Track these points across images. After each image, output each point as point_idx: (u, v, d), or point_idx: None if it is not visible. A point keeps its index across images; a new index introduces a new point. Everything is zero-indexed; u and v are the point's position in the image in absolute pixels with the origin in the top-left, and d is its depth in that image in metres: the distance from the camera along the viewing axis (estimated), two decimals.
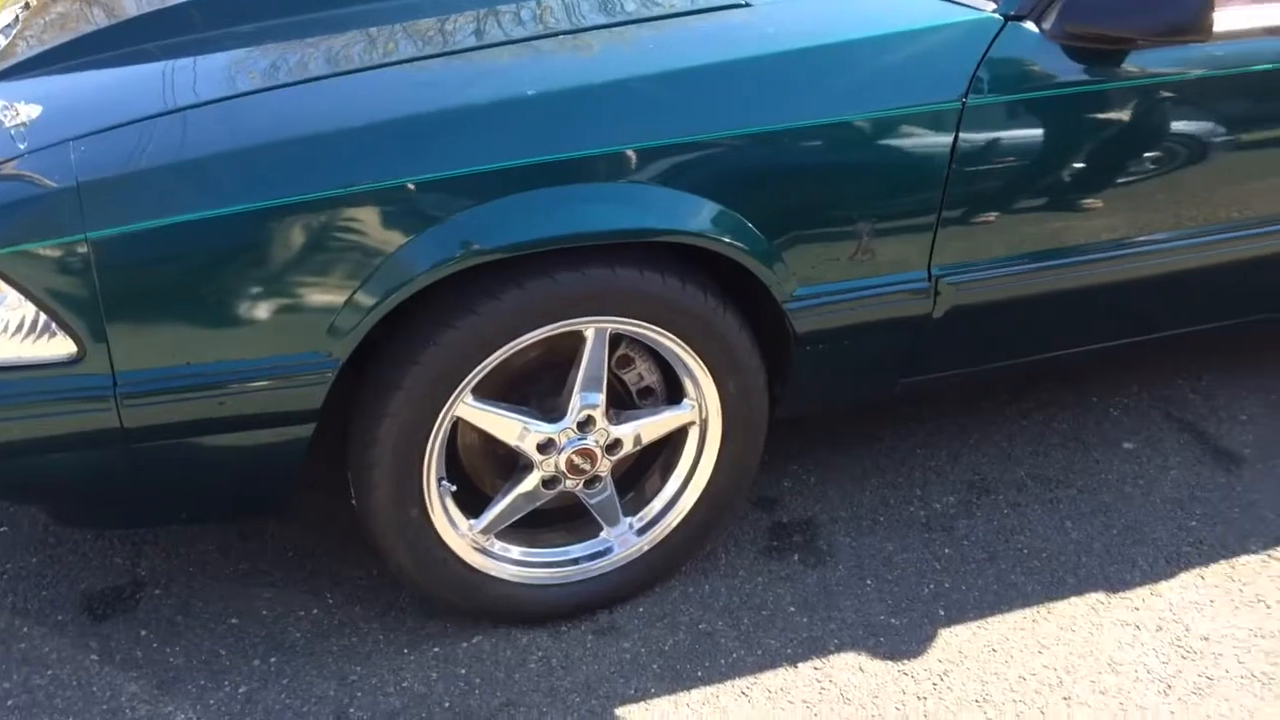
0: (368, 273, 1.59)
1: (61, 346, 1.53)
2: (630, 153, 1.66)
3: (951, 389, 2.27)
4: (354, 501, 1.80)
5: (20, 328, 1.52)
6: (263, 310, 1.58)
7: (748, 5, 1.85)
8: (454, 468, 1.85)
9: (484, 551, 1.88)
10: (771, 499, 2.26)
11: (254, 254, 1.56)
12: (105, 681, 1.79)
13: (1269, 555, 2.15)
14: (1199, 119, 1.97)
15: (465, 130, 1.63)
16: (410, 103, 1.65)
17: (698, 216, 1.71)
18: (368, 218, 1.58)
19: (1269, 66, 1.95)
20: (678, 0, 1.90)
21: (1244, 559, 2.14)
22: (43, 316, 1.52)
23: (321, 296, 1.60)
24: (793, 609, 2.02)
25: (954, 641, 1.96)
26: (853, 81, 1.77)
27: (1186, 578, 2.10)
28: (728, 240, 1.72)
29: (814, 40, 1.78)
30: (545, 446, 1.82)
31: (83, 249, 1.49)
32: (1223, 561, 2.14)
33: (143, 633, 1.88)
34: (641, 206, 1.68)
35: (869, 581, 2.08)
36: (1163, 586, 2.09)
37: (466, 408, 1.75)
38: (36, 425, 1.56)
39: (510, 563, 1.90)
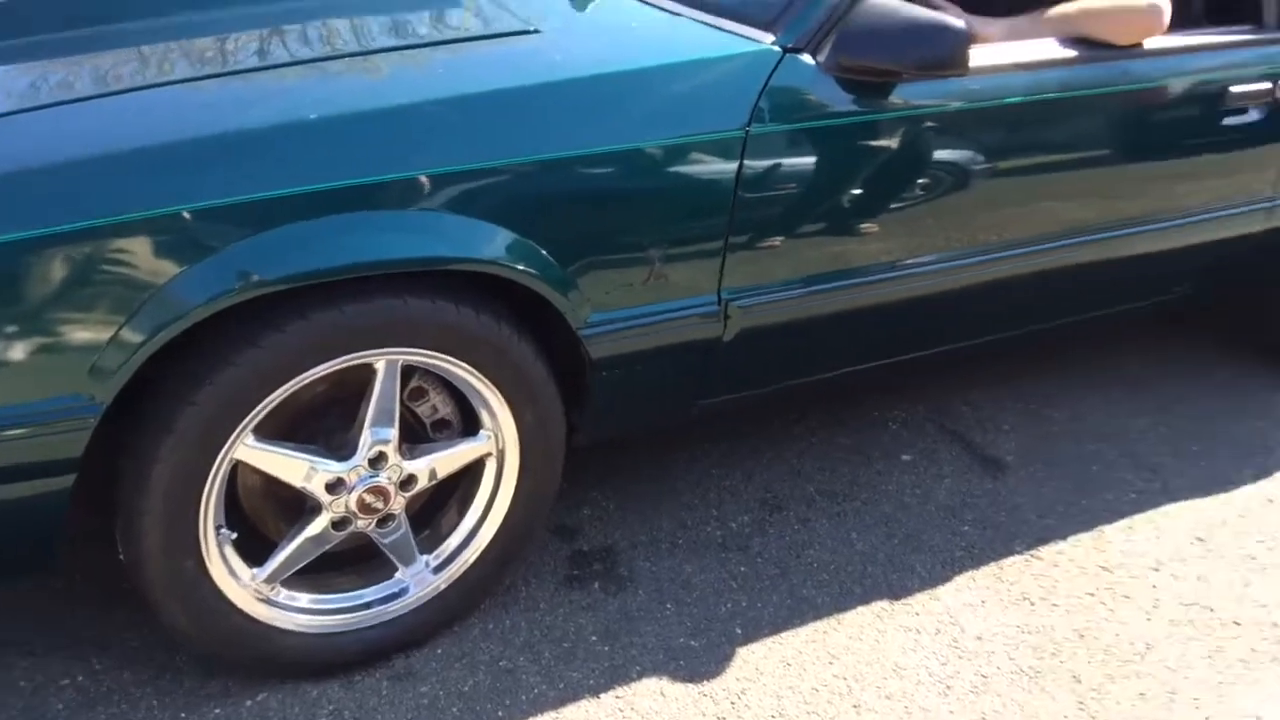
0: (135, 307, 1.46)
1: None
2: (420, 179, 1.60)
3: (745, 409, 2.31)
4: (122, 555, 1.64)
5: None
6: (17, 350, 1.43)
7: (537, 32, 1.82)
8: (235, 513, 1.72)
9: (269, 602, 1.75)
10: (571, 528, 2.22)
11: (6, 291, 1.41)
12: None
13: (1032, 555, 2.29)
14: (960, 148, 2.08)
15: (244, 155, 1.52)
16: (185, 125, 1.53)
17: (491, 244, 1.66)
18: (137, 248, 1.46)
19: (1019, 99, 2.09)
20: (468, 25, 1.85)
21: (1010, 560, 2.27)
22: None
23: (83, 334, 1.45)
24: (594, 638, 1.99)
25: (751, 659, 1.99)
26: (642, 109, 1.77)
27: (960, 581, 2.21)
28: (521, 267, 1.69)
29: (604, 68, 1.77)
30: (335, 486, 1.72)
31: None
32: (991, 563, 2.26)
33: None
34: (432, 234, 1.62)
35: (669, 605, 2.08)
36: (940, 590, 2.18)
37: (247, 449, 1.63)
38: None
39: (298, 612, 1.79)
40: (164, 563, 1.63)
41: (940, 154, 2.07)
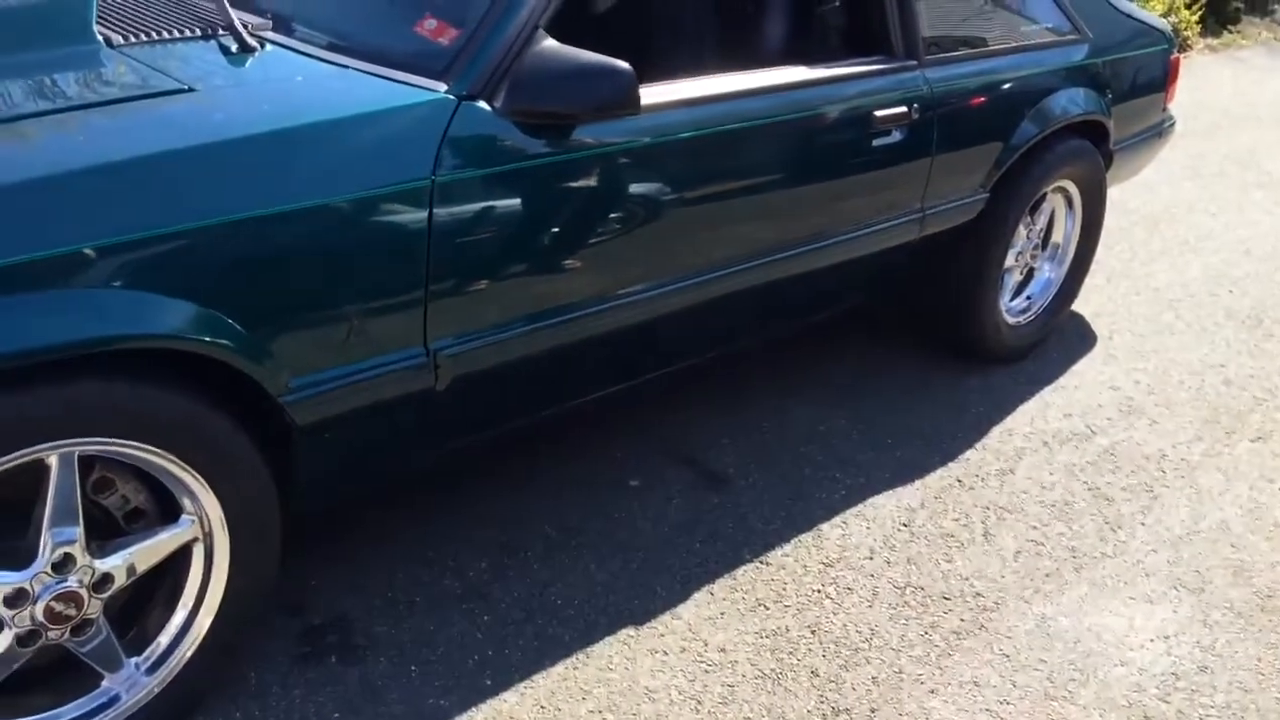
0: None
1: None
2: (83, 253, 1.42)
3: (468, 455, 2.21)
4: None
5: None
6: None
7: (191, 90, 1.67)
8: None
9: None
10: (298, 602, 2.04)
11: None
12: None
13: (760, 561, 2.31)
14: (645, 181, 2.09)
15: None
16: None
17: (167, 317, 1.50)
18: None
19: (691, 134, 2.12)
20: (118, 86, 1.68)
21: (742, 569, 2.28)
22: None
23: None
24: (338, 715, 1.83)
25: (504, 709, 1.89)
26: (321, 164, 1.66)
27: (699, 596, 2.20)
28: (206, 339, 1.53)
29: (276, 124, 1.64)
30: (15, 599, 1.50)
31: None
32: (726, 575, 2.26)
33: None
34: (97, 312, 1.44)
35: (413, 667, 1.95)
36: (681, 609, 2.16)
37: None
38: None
39: None
40: None
41: (627, 188, 2.07)
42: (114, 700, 1.65)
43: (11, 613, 1.50)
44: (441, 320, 1.83)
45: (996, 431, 2.86)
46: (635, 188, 2.08)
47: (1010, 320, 3.16)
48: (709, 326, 2.43)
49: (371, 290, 1.73)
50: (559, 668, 1.99)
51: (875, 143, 2.48)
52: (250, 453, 1.66)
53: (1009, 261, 3.07)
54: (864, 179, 2.53)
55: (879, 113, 2.47)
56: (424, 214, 1.74)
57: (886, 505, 2.54)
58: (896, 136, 2.52)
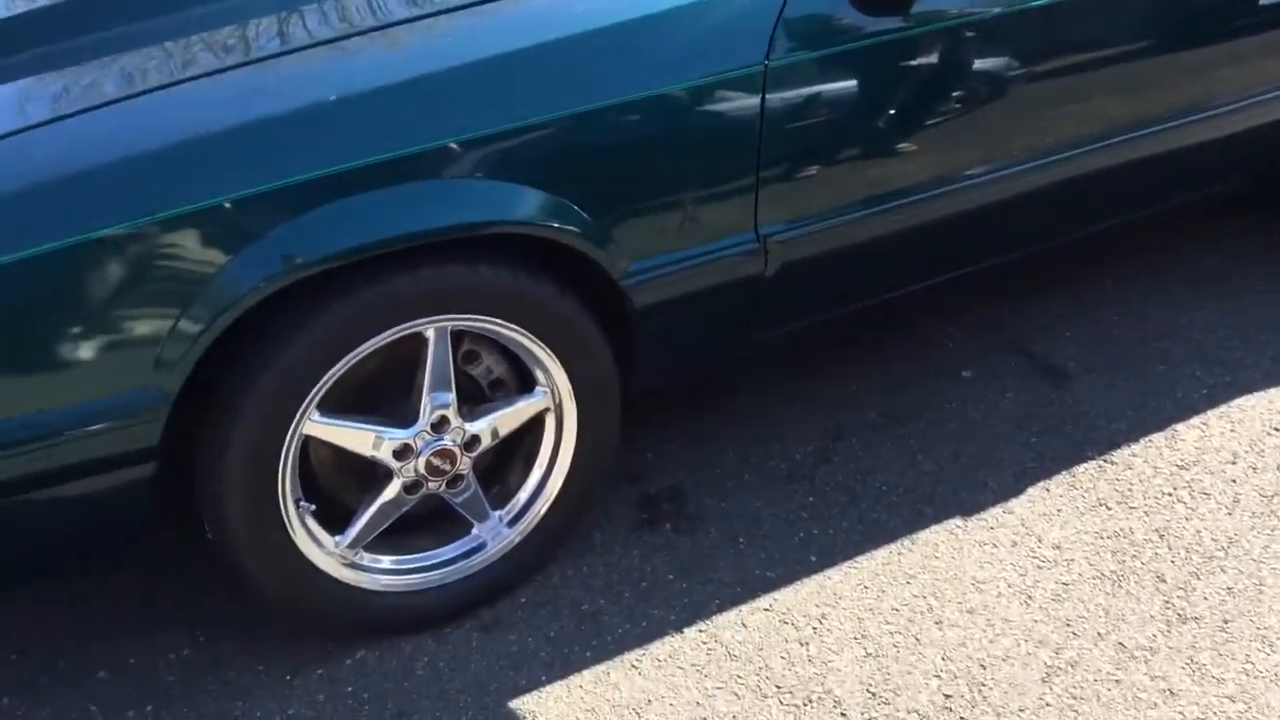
0: (190, 299, 1.46)
1: None
2: (447, 147, 1.55)
3: (797, 340, 2.23)
4: (209, 534, 1.66)
5: None
6: (85, 350, 1.44)
7: None
8: (311, 485, 1.73)
9: (354, 566, 1.76)
10: (637, 472, 2.18)
11: (67, 293, 1.42)
12: None
13: (1104, 460, 2.17)
14: (992, 55, 1.96)
15: (274, 141, 1.50)
16: (215, 118, 1.51)
17: (521, 205, 1.61)
18: (184, 242, 1.45)
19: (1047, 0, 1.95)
20: None
21: (1083, 467, 2.16)
22: None
23: (144, 329, 1.46)
24: (671, 577, 1.96)
25: (828, 585, 1.93)
26: (661, 54, 1.70)
27: (1033, 492, 2.11)
28: (555, 225, 1.64)
29: (619, 16, 1.69)
30: (402, 453, 1.71)
31: None
32: (1064, 472, 2.15)
33: (5, 700, 1.71)
34: (463, 201, 1.58)
35: (741, 539, 2.03)
36: (1013, 504, 2.09)
37: (314, 425, 1.62)
38: None
39: (382, 573, 1.79)
40: (251, 539, 1.64)
41: (972, 64, 1.96)
42: (481, 546, 1.86)
43: (399, 464, 1.72)
44: (772, 206, 1.83)
45: None
46: (981, 63, 1.96)
47: None
48: (1057, 212, 2.26)
49: (705, 177, 1.77)
50: (883, 551, 2.00)
51: (1264, 1, 2.17)
52: (595, 333, 1.77)
53: None
54: (1248, 43, 2.23)
55: None
56: (756, 99, 1.74)
57: (1256, 407, 2.29)
58: None
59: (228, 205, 1.46)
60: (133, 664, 1.78)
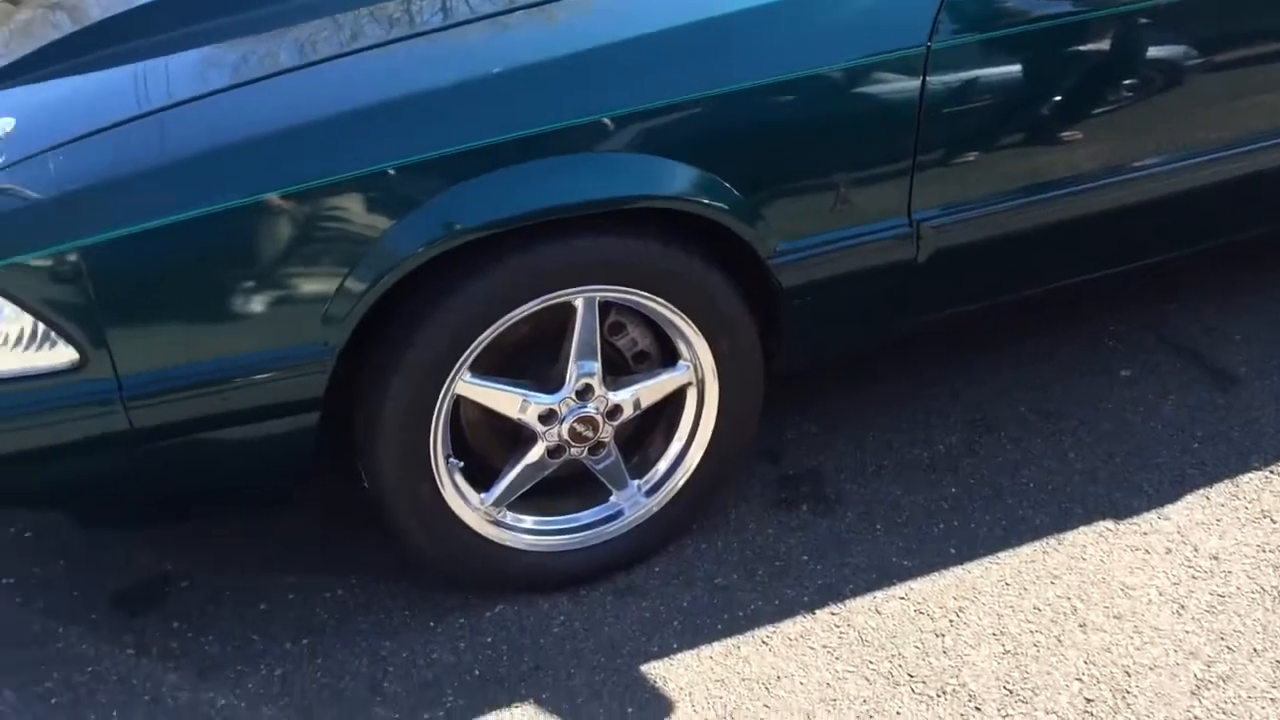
0: (356, 259, 1.54)
1: (63, 355, 1.49)
2: (602, 121, 1.59)
3: (946, 330, 2.18)
4: (365, 485, 1.74)
5: (21, 339, 1.48)
6: (257, 303, 1.53)
7: None
8: (460, 444, 1.79)
9: (497, 523, 1.82)
10: (776, 452, 2.18)
11: (242, 249, 1.51)
12: (144, 674, 1.75)
13: (1271, 471, 2.04)
14: (1168, 42, 1.86)
15: (439, 112, 1.56)
16: (383, 88, 1.58)
17: (674, 180, 1.63)
18: (352, 205, 1.52)
19: None
20: None
21: (1247, 477, 2.04)
22: (42, 326, 1.47)
23: (313, 286, 1.54)
24: (806, 558, 1.94)
25: (967, 579, 1.88)
26: (819, 34, 1.69)
27: (1192, 499, 2.01)
28: (706, 201, 1.65)
29: None
30: (547, 417, 1.76)
31: (73, 257, 1.44)
32: (1226, 480, 2.04)
33: (175, 624, 1.84)
34: (617, 174, 1.61)
35: (879, 526, 2.00)
36: (1169, 509, 1.99)
37: (466, 385, 1.68)
38: (47, 433, 1.52)
39: (524, 532, 1.84)
40: (402, 491, 1.71)
41: (1147, 50, 1.87)
42: (619, 514, 1.89)
43: (544, 428, 1.77)
44: (927, 191, 1.79)
45: None
46: (1157, 50, 1.87)
47: None
48: (1236, 207, 2.14)
49: (859, 159, 1.75)
50: (1027, 549, 1.94)
51: None
52: (740, 310, 1.78)
53: None
54: None
55: None
56: (917, 81, 1.71)
57: None
58: None
59: (392, 172, 1.52)
60: (292, 599, 1.89)
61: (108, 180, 1.48)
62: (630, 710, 1.69)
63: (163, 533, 1.99)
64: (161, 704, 1.70)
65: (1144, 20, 1.83)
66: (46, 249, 1.44)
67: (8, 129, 1.57)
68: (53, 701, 1.71)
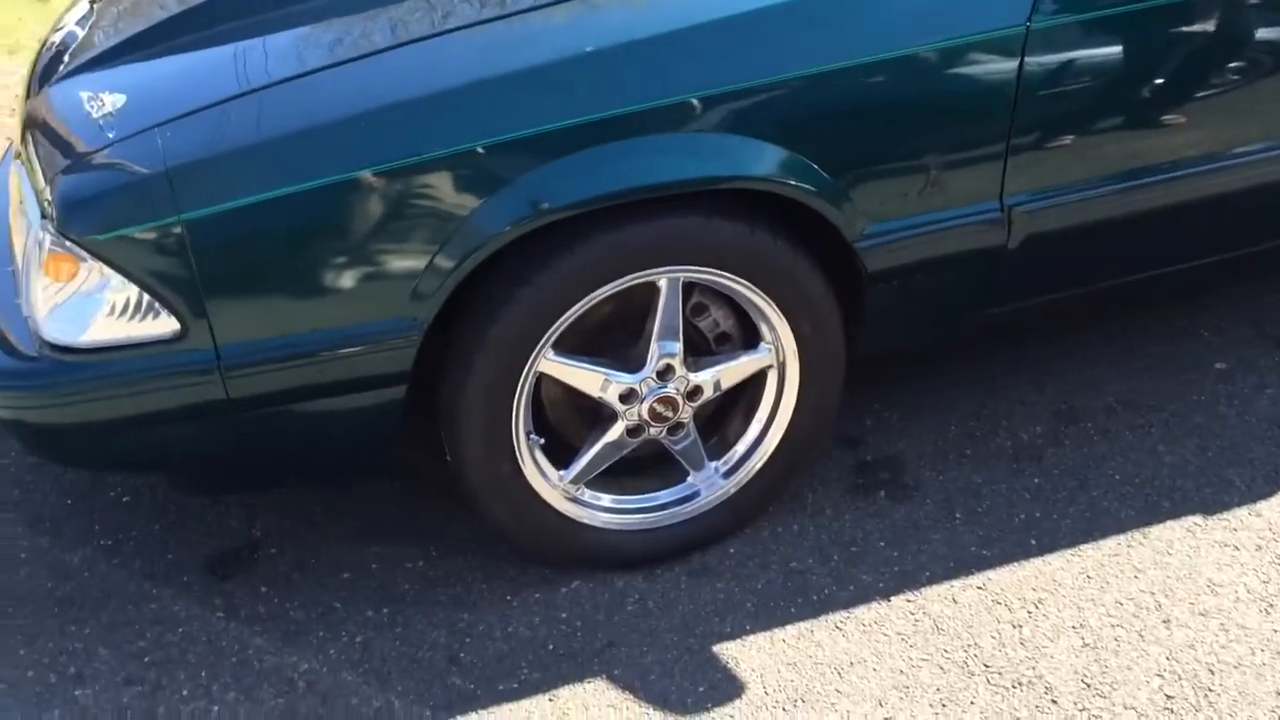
0: (445, 237, 1.55)
1: (166, 325, 1.53)
2: (690, 102, 1.58)
3: (1033, 318, 2.13)
4: (448, 459, 1.77)
5: (127, 309, 1.52)
6: (350, 279, 1.56)
7: None
8: (540, 421, 1.81)
9: (575, 500, 1.83)
10: (855, 437, 2.16)
11: (337, 225, 1.53)
12: (232, 636, 1.81)
13: None
14: (1275, 24, 1.79)
15: (527, 92, 1.57)
16: (473, 68, 1.59)
17: (761, 161, 1.62)
18: (442, 183, 1.54)
19: None
20: None
21: None
22: (146, 297, 1.51)
23: (403, 262, 1.56)
24: (882, 544, 1.93)
25: (1047, 570, 1.86)
26: (911, 13, 1.66)
27: None
28: (793, 183, 1.63)
29: None
30: (627, 396, 1.77)
31: (177, 230, 1.48)
32: None
33: (263, 589, 1.90)
34: (704, 155, 1.60)
35: (958, 514, 1.97)
36: (1261, 506, 1.94)
37: (548, 363, 1.70)
38: (148, 400, 1.56)
39: (601, 510, 1.86)
40: (484, 466, 1.73)
41: (1254, 33, 1.80)
42: (695, 494, 1.89)
43: (624, 408, 1.77)
44: (1020, 175, 1.75)
45: None
46: (1266, 32, 1.80)
47: None
48: None
49: (951, 142, 1.71)
50: (1110, 542, 1.90)
51: None
52: (824, 293, 1.76)
53: None
54: None
55: None
56: (1014, 63, 1.66)
57: None
58: None
59: (481, 151, 1.53)
60: (374, 569, 1.93)
61: (209, 157, 1.52)
62: (702, 689, 1.70)
63: (253, 500, 2.05)
64: (247, 666, 1.76)
65: (1254, 1, 1.76)
66: (151, 222, 1.48)
67: (119, 105, 1.62)
68: (145, 660, 1.78)
